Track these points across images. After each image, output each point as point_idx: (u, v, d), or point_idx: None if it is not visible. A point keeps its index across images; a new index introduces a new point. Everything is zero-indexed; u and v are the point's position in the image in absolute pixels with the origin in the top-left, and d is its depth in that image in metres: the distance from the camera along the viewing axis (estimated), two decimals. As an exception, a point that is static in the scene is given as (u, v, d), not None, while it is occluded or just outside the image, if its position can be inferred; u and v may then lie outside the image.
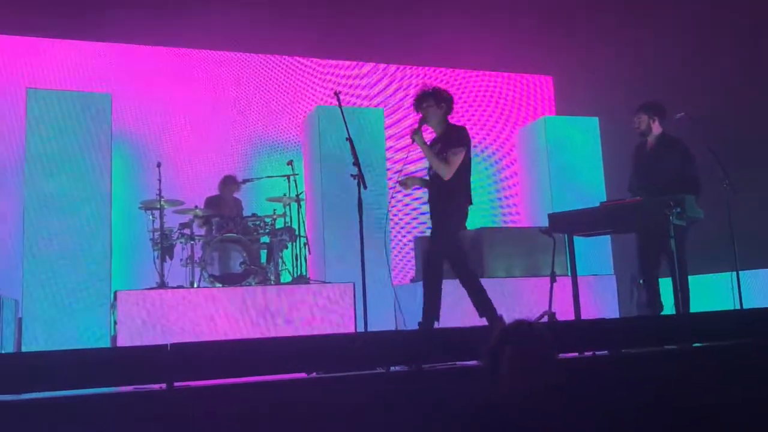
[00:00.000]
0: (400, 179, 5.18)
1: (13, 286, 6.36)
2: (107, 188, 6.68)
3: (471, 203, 4.91)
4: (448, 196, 4.80)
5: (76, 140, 6.58)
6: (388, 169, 7.64)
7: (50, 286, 6.26)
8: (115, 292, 5.84)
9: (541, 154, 8.78)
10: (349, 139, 4.62)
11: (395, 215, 8.39)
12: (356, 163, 4.61)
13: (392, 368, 3.52)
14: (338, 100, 4.82)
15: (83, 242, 6.43)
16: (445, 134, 4.89)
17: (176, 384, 3.01)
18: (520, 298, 6.81)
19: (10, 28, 7.60)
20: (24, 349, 6.04)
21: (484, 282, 6.72)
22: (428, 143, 4.96)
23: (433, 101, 4.86)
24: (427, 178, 5.09)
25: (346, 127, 4.66)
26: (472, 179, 4.94)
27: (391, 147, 8.21)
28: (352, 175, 4.66)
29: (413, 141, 4.84)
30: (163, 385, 3.01)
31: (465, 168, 4.85)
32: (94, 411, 2.96)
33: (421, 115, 4.94)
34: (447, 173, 4.75)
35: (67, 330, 6.14)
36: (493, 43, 8.63)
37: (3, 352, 5.63)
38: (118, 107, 7.22)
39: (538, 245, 7.16)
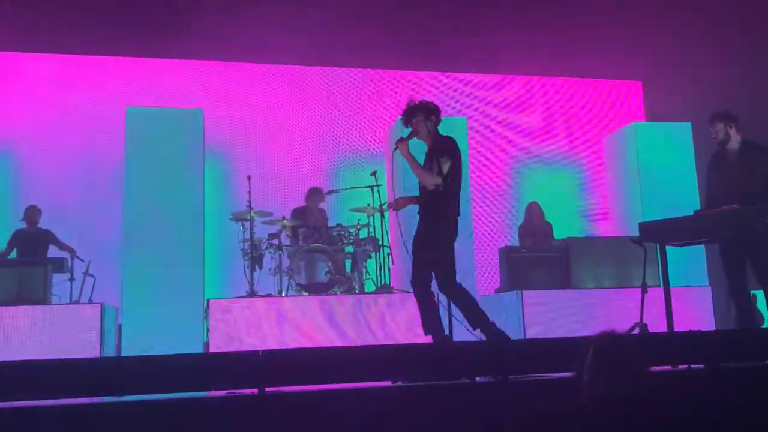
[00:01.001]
0: (389, 203, 5.10)
1: (114, 295, 6.69)
2: (200, 200, 6.95)
3: (458, 214, 4.75)
4: (437, 207, 4.65)
5: (171, 154, 6.89)
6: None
7: (147, 294, 6.56)
8: (208, 300, 6.06)
9: (630, 161, 8.54)
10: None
11: (481, 225, 8.33)
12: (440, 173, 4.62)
13: (477, 378, 3.50)
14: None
15: (178, 252, 6.71)
16: (434, 146, 4.79)
17: (268, 389, 3.10)
18: (609, 310, 6.64)
19: (110, 49, 8.04)
20: (123, 353, 6.34)
21: (572, 293, 6.66)
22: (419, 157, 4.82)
23: (422, 115, 4.75)
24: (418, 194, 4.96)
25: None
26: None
27: (474, 157, 8.17)
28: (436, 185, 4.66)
29: (396, 149, 4.74)
30: (255, 390, 3.10)
31: (453, 178, 4.69)
32: (191, 413, 3.08)
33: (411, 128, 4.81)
34: (431, 183, 4.61)
35: (163, 336, 6.40)
36: (577, 49, 8.45)
37: (105, 356, 5.93)
38: (209, 122, 7.52)
39: (629, 255, 6.95)
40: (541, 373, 3.57)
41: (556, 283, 6.85)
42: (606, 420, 2.27)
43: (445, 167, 4.59)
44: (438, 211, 4.63)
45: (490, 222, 8.67)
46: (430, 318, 4.57)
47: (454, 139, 4.76)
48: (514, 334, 6.47)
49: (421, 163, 4.70)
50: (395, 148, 4.74)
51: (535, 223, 7.75)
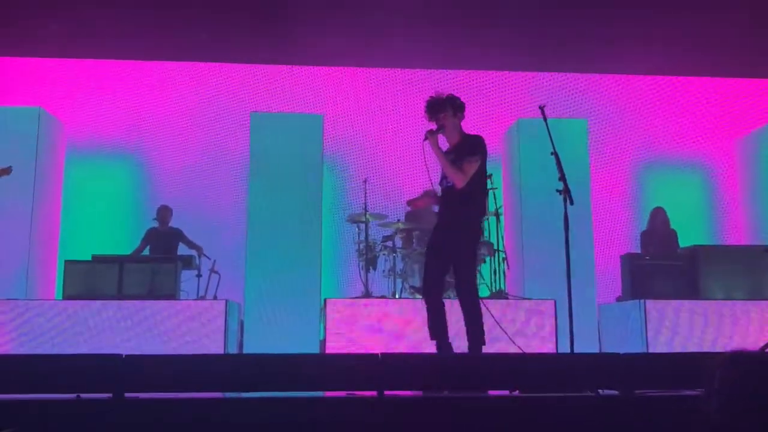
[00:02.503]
0: (409, 200, 5.06)
1: (237, 291, 6.99)
2: (318, 202, 7.14)
3: (485, 214, 4.55)
4: (463, 208, 4.45)
5: (292, 158, 7.11)
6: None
7: (268, 292, 6.80)
8: (325, 300, 6.21)
9: (765, 165, 8.00)
10: (555, 154, 4.53)
11: (601, 231, 8.04)
12: (562, 178, 4.50)
13: (601, 392, 3.38)
14: (543, 114, 4.73)
15: (297, 252, 6.91)
16: (461, 143, 4.58)
17: (386, 393, 3.13)
18: (740, 323, 6.26)
19: (234, 57, 8.42)
20: (245, 349, 6.61)
21: (700, 304, 6.31)
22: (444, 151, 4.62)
23: (450, 110, 4.57)
24: (440, 188, 4.72)
25: (552, 141, 4.57)
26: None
27: (594, 159, 7.90)
28: (557, 191, 4.54)
29: (426, 140, 4.52)
30: (374, 393, 3.14)
31: (480, 178, 4.51)
32: (309, 413, 3.16)
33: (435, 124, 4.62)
34: (460, 181, 4.40)
35: (282, 333, 6.62)
36: (703, 47, 8.00)
37: (229, 351, 6.20)
38: (329, 127, 7.71)
39: (763, 265, 6.56)
40: (667, 390, 3.40)
41: (681, 292, 6.53)
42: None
43: (474, 166, 4.42)
44: (464, 211, 4.46)
45: (611, 227, 8.36)
46: (440, 323, 4.47)
47: (482, 138, 4.59)
48: (635, 346, 6.24)
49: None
50: (425, 139, 4.54)
51: (659, 230, 7.41)
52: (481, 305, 4.48)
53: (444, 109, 4.57)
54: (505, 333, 4.98)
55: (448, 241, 4.45)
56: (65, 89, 8.39)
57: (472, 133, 4.67)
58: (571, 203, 4.52)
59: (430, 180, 4.59)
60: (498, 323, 5.01)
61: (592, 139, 7.81)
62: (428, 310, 4.53)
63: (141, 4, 7.23)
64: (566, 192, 4.50)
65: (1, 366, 3.31)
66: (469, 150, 4.47)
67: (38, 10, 7.29)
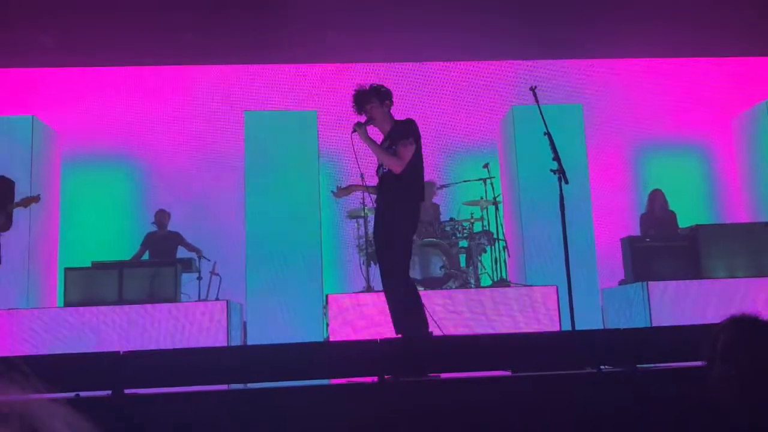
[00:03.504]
0: (333, 191, 4.91)
1: (239, 292, 6.98)
2: (316, 199, 7.12)
3: (423, 200, 4.49)
4: (401, 193, 4.38)
5: (288, 156, 7.11)
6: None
7: (269, 292, 6.79)
8: (327, 296, 6.20)
9: (762, 142, 7.97)
10: (548, 134, 4.50)
11: (600, 215, 8.01)
12: (556, 158, 4.48)
13: (602, 368, 3.36)
14: (535, 95, 4.72)
15: (297, 250, 6.90)
16: (393, 130, 4.52)
17: (386, 377, 3.12)
18: (744, 301, 6.22)
19: (227, 58, 8.41)
20: (249, 349, 6.60)
21: (703, 284, 6.28)
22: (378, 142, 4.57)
23: (376, 100, 4.50)
24: (377, 176, 4.63)
25: (544, 121, 4.55)
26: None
27: (591, 144, 7.88)
28: (552, 170, 4.52)
29: (354, 132, 4.48)
30: (375, 378, 3.13)
31: (417, 162, 4.43)
32: (311, 401, 3.15)
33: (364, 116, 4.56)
34: (398, 166, 4.33)
35: (285, 331, 6.61)
36: (700, 25, 7.97)
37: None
38: (323, 123, 7.69)
39: (765, 242, 6.53)
40: (669, 362, 3.38)
41: (684, 273, 6.49)
42: (741, 415, 2.10)
43: (410, 149, 4.35)
44: (399, 196, 4.38)
45: (610, 211, 8.34)
46: (393, 314, 4.32)
47: (414, 121, 4.52)
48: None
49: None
50: (353, 131, 4.50)
51: (657, 213, 7.39)
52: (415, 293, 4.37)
53: (369, 99, 4.51)
54: (434, 322, 4.88)
55: (385, 228, 4.40)
56: (57, 97, 8.38)
57: (404, 118, 4.58)
58: (566, 182, 4.50)
59: (360, 171, 4.61)
60: (427, 311, 4.89)
61: (587, 125, 7.79)
62: (387, 299, 4.41)
63: (126, 10, 7.22)
64: (561, 172, 4.47)
65: (-1, 368, 3.30)
66: (401, 134, 4.42)
67: (26, 21, 7.29)
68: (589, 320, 6.34)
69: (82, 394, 3.09)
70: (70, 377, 3.15)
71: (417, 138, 4.43)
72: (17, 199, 5.52)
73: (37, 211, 7.27)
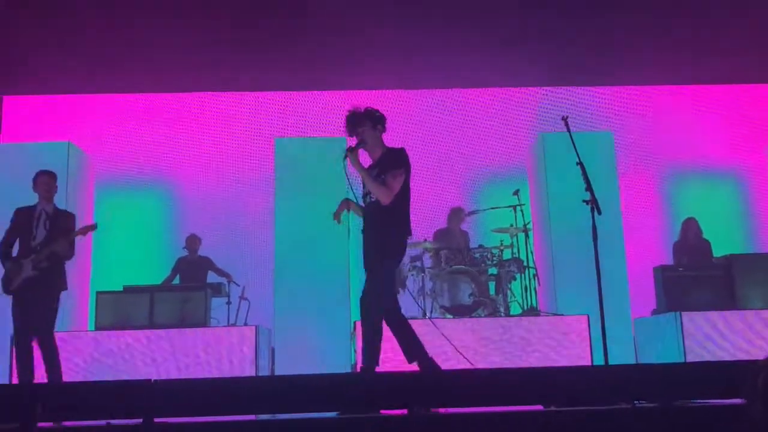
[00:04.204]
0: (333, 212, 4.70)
1: (267, 317, 6.99)
2: (345, 224, 7.12)
3: (410, 234, 4.38)
4: (387, 225, 4.29)
5: (318, 181, 7.14)
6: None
7: (298, 317, 6.79)
8: (355, 322, 6.17)
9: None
10: (580, 164, 4.48)
11: (632, 243, 7.90)
12: (589, 188, 4.45)
13: (637, 403, 3.29)
14: (567, 125, 4.70)
15: (325, 276, 6.91)
16: (384, 157, 4.43)
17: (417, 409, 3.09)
18: (781, 333, 6.09)
19: (258, 85, 8.52)
20: (277, 374, 6.58)
21: (737, 314, 6.15)
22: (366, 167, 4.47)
23: (369, 123, 4.41)
24: (363, 205, 4.56)
25: (576, 151, 4.53)
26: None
27: (624, 172, 7.81)
28: (584, 201, 4.48)
29: (345, 158, 4.38)
30: (405, 411, 3.10)
31: (404, 193, 4.35)
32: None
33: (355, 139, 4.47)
34: (386, 197, 4.25)
35: (313, 357, 6.59)
36: (733, 53, 7.89)
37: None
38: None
39: (802, 273, 6.39)
40: (707, 399, 3.30)
41: (718, 303, 6.37)
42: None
43: (399, 180, 4.27)
44: (386, 229, 4.31)
45: (642, 240, 8.22)
46: (410, 340, 4.27)
47: (405, 150, 4.43)
48: (672, 359, 6.09)
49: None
50: (345, 157, 4.41)
51: (691, 241, 7.28)
52: (407, 323, 4.31)
53: (362, 123, 4.43)
54: (455, 347, 4.82)
55: (373, 258, 4.32)
56: (91, 123, 8.56)
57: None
58: (599, 213, 4.45)
59: (354, 196, 4.51)
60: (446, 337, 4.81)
61: (618, 152, 7.72)
62: (393, 332, 4.33)
63: (157, 38, 7.37)
64: (593, 202, 4.43)
65: (32, 394, 3.33)
66: (392, 164, 4.33)
67: (61, 48, 7.47)
68: (621, 350, 6.24)
69: (113, 422, 3.11)
70: (102, 405, 3.17)
71: (407, 169, 4.36)
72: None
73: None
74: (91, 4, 6.78)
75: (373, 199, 4.39)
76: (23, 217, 5.42)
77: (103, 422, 3.06)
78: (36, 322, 5.19)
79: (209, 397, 3.26)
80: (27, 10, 6.82)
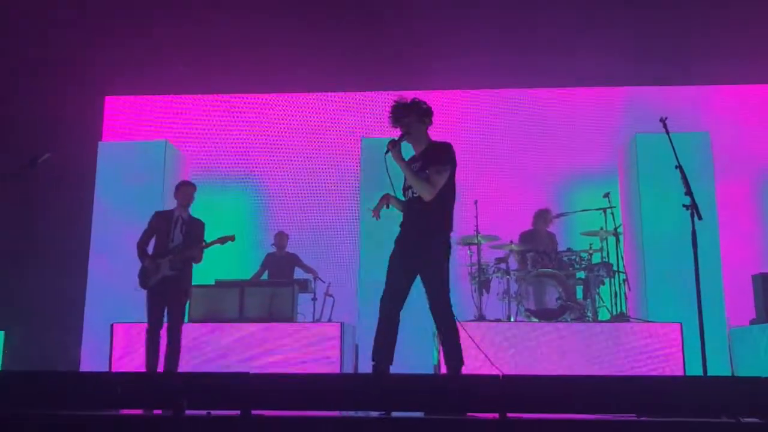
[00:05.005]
0: (370, 207, 4.52)
1: (352, 314, 7.09)
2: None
3: (452, 230, 4.17)
4: (429, 222, 4.13)
5: (402, 182, 7.16)
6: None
7: (381, 315, 6.83)
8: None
9: None
10: (680, 167, 4.33)
11: (729, 248, 7.57)
12: (688, 192, 4.29)
13: (742, 419, 3.15)
14: (665, 126, 4.54)
15: (409, 275, 6.92)
16: (427, 151, 4.23)
17: (509, 414, 3.06)
18: None
19: (346, 85, 8.65)
20: (360, 371, 6.66)
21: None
22: (408, 161, 4.27)
23: (414, 115, 4.22)
24: (404, 197, 4.36)
25: (675, 154, 4.38)
26: None
27: (720, 174, 7.49)
28: (684, 206, 4.33)
29: (387, 152, 4.16)
30: (496, 415, 3.08)
31: (449, 190, 4.17)
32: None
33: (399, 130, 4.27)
34: (429, 193, 4.08)
35: (396, 357, 6.57)
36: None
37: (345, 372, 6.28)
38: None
39: None
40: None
41: (824, 314, 6.04)
42: None
43: (444, 176, 4.10)
44: (433, 226, 4.16)
45: (739, 245, 7.86)
46: (389, 345, 4.25)
47: (451, 145, 4.23)
48: (772, 371, 5.81)
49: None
50: (386, 152, 4.20)
51: (794, 247, 6.92)
52: (458, 326, 4.25)
53: (408, 114, 4.26)
54: (485, 356, 4.72)
55: (416, 258, 4.21)
56: (186, 123, 8.90)
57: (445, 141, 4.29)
58: (699, 218, 4.29)
59: (393, 191, 4.38)
60: (475, 343, 4.75)
61: (715, 153, 7.41)
62: (380, 321, 4.29)
63: (247, 42, 7.62)
64: (693, 207, 4.28)
65: (135, 382, 3.50)
66: (436, 159, 4.17)
67: (164, 52, 7.82)
68: (716, 361, 5.99)
69: (213, 412, 3.22)
70: (201, 395, 3.28)
71: (453, 165, 4.21)
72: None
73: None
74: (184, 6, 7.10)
75: (415, 195, 4.27)
76: (161, 221, 5.90)
77: (203, 412, 3.17)
78: (169, 315, 5.68)
79: (302, 392, 3.33)
80: (124, 18, 7.20)
